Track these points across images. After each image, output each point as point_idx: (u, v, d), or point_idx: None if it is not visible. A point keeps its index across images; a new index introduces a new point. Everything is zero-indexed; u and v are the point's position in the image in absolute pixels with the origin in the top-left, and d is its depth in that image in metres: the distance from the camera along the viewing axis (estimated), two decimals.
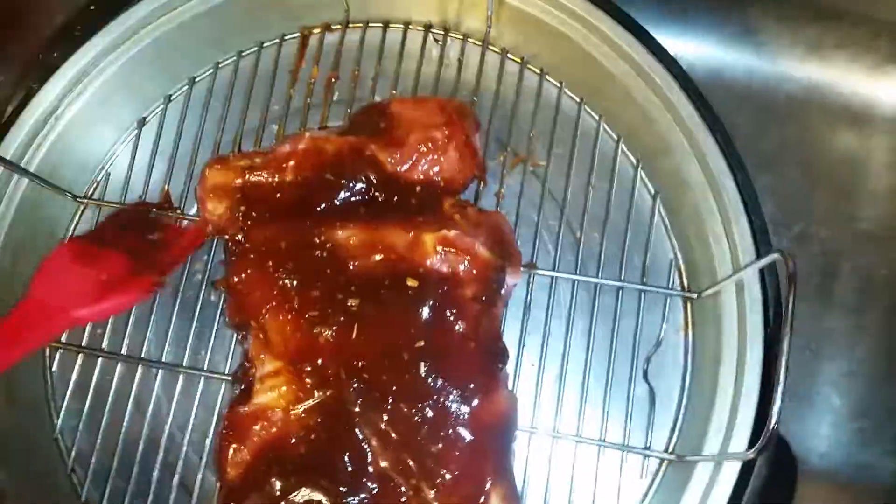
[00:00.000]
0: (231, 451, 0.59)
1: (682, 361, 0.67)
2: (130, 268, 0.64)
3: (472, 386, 0.59)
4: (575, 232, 0.70)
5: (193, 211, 0.72)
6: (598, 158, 0.71)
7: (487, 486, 0.57)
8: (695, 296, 0.67)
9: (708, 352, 0.65)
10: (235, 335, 0.67)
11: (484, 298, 0.62)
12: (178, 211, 0.71)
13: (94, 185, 0.74)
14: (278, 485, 0.58)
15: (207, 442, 0.66)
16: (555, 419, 0.65)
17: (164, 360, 0.68)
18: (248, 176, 0.66)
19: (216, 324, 0.69)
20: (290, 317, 0.62)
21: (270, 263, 0.63)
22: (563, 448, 0.64)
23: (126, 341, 0.69)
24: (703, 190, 0.65)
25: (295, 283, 0.62)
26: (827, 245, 0.79)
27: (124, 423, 0.66)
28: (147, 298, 0.68)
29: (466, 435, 0.58)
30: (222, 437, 0.61)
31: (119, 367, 0.68)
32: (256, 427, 0.60)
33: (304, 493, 0.57)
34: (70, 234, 0.73)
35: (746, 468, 0.58)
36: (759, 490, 0.58)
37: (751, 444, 0.58)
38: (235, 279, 0.64)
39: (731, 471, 0.58)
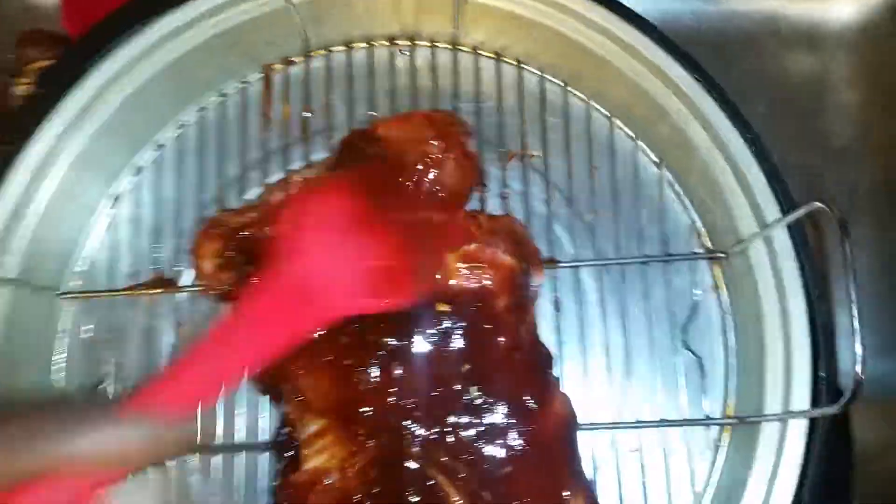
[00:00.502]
0: None
1: (721, 324, 0.66)
2: (406, 257, 0.48)
3: (528, 398, 0.58)
4: (587, 218, 0.68)
5: (190, 280, 0.68)
6: (595, 139, 0.69)
7: (567, 495, 0.56)
8: (722, 256, 0.66)
9: (747, 310, 0.64)
10: (269, 399, 0.64)
11: (517, 306, 0.60)
12: (175, 286, 0.67)
13: (76, 277, 0.70)
14: None
15: None
16: (609, 410, 0.63)
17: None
18: (245, 234, 0.63)
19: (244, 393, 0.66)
20: (323, 371, 0.59)
21: None
22: (624, 437, 0.63)
23: None
24: (709, 148, 0.64)
25: (322, 334, 0.60)
26: (806, 169, 0.80)
27: None
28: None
29: (535, 449, 0.56)
30: None
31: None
32: (314, 495, 0.57)
33: None
34: (60, 329, 0.69)
35: (813, 423, 0.57)
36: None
37: (813, 397, 0.57)
38: None
39: (798, 428, 0.57)
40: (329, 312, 0.46)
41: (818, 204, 0.51)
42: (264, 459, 0.63)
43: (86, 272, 0.69)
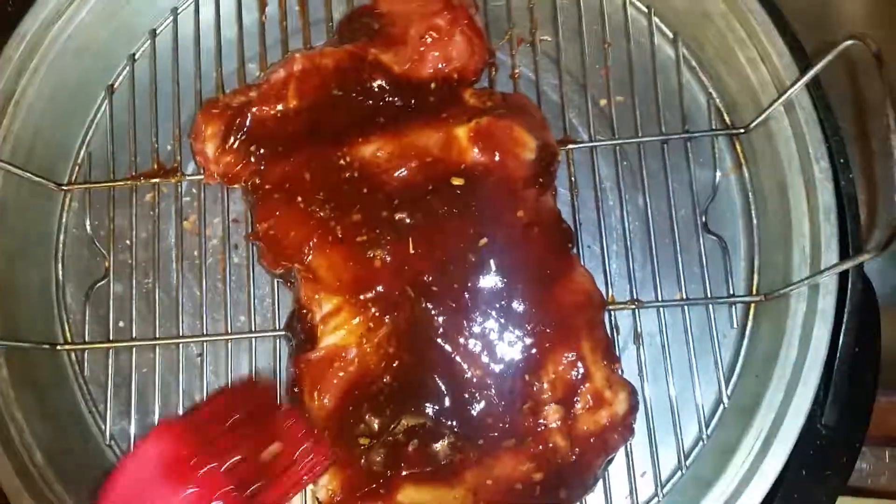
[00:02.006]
0: (313, 400, 0.55)
1: (743, 202, 0.64)
2: (226, 494, 0.49)
3: (548, 270, 0.56)
4: (601, 100, 0.65)
5: (191, 169, 0.66)
6: (608, 18, 0.66)
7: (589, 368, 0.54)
8: (742, 131, 0.63)
9: (769, 185, 0.62)
10: (275, 287, 0.62)
11: (535, 181, 0.58)
12: (179, 174, 0.65)
13: (76, 168, 0.67)
14: (376, 422, 0.53)
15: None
16: (632, 291, 0.61)
17: (206, 333, 0.63)
18: (247, 113, 0.60)
19: (249, 285, 0.64)
20: (337, 249, 0.57)
21: (299, 199, 0.58)
22: (648, 317, 0.61)
23: (158, 326, 0.63)
24: (727, 18, 0.61)
25: (332, 212, 0.57)
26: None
27: (179, 409, 0.61)
28: None
29: (556, 321, 0.55)
30: (297, 388, 0.56)
31: (158, 353, 0.63)
32: (332, 370, 0.55)
33: (405, 422, 0.53)
34: (61, 225, 0.66)
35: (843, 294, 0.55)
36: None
37: (841, 256, 0.56)
38: (265, 225, 0.58)
39: (828, 301, 0.55)
40: None
41: (851, 41, 0.48)
42: (279, 346, 0.62)
43: (87, 165, 0.67)
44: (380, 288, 0.55)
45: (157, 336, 0.63)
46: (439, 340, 0.54)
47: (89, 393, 0.64)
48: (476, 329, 0.54)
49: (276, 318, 0.63)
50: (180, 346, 0.62)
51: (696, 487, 0.56)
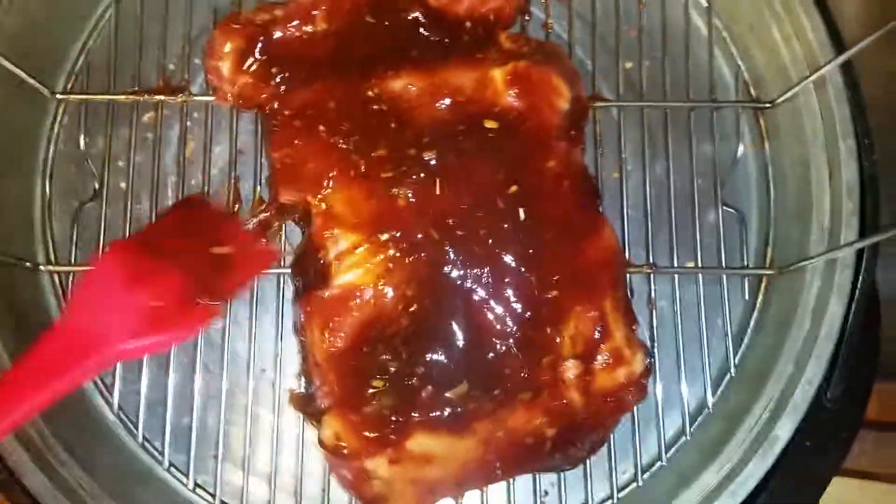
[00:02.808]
0: (324, 339, 0.52)
1: (761, 175, 0.64)
2: (186, 292, 0.52)
3: (576, 225, 0.54)
4: (627, 63, 0.64)
5: (198, 86, 0.61)
6: None
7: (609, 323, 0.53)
8: (768, 106, 0.63)
9: (791, 160, 0.62)
10: (282, 225, 0.59)
11: (568, 133, 0.56)
12: (186, 93, 0.61)
13: (74, 77, 0.62)
14: (391, 365, 0.51)
15: (271, 347, 0.58)
16: (648, 255, 0.61)
17: None
18: (271, 32, 0.56)
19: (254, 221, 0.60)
20: (358, 183, 0.54)
21: (322, 128, 0.55)
22: (662, 282, 0.60)
23: None
24: None
25: (356, 144, 0.54)
26: None
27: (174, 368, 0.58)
28: (200, 332, 0.57)
29: (581, 275, 0.53)
30: (307, 326, 0.53)
31: None
32: (346, 309, 0.53)
33: (421, 368, 0.51)
34: (50, 138, 0.61)
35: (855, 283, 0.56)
36: None
37: (860, 232, 0.56)
38: (282, 153, 0.55)
39: (845, 276, 0.55)
40: (113, 356, 0.51)
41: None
42: (282, 284, 0.59)
43: (84, 75, 0.62)
44: (402, 228, 0.53)
45: None
46: (460, 286, 0.52)
47: None
48: (499, 277, 0.52)
49: (283, 256, 0.60)
50: None
51: (700, 454, 0.57)
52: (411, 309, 0.52)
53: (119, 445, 0.58)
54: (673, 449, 0.58)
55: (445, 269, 0.53)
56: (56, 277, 0.60)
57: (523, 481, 0.57)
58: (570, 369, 0.52)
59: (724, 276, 0.61)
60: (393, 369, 0.51)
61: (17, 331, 0.56)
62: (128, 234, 0.59)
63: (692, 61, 0.64)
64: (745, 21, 0.64)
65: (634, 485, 0.57)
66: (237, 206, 0.61)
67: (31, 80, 0.58)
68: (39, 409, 0.45)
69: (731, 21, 0.65)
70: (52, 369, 0.46)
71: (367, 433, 0.51)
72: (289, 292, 0.59)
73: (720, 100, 0.64)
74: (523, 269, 0.53)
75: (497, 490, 0.57)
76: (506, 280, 0.53)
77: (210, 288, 0.54)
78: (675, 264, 0.60)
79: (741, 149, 0.64)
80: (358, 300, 0.53)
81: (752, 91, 0.65)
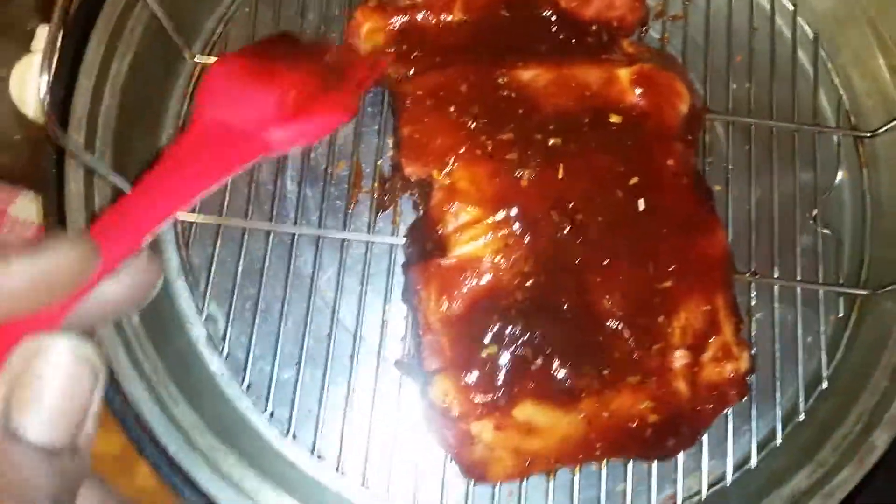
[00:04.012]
0: (440, 304, 0.54)
1: (857, 201, 0.66)
2: (321, 83, 0.52)
3: (693, 219, 0.56)
4: (737, 83, 0.67)
5: None
6: (755, 7, 0.68)
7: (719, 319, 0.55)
8: (868, 135, 0.66)
9: (888, 188, 0.64)
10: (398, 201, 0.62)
11: (687, 135, 0.59)
12: None
13: (212, 44, 0.66)
14: (505, 333, 0.53)
15: (377, 316, 0.60)
16: (748, 264, 0.62)
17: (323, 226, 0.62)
18: (409, 17, 0.60)
19: (351, 196, 0.63)
20: (483, 163, 0.56)
21: (452, 108, 0.58)
22: (762, 289, 0.62)
23: (274, 215, 0.62)
24: (874, 24, 0.64)
25: (484, 126, 0.57)
26: None
27: (282, 296, 0.60)
28: (346, 121, 0.57)
29: (696, 271, 0.55)
30: (423, 289, 0.55)
31: (271, 241, 0.61)
32: (463, 278, 0.55)
33: (534, 339, 0.53)
34: (185, 97, 0.65)
35: None
36: None
37: None
38: (411, 129, 0.58)
39: None
40: (260, 146, 0.47)
41: None
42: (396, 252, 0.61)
43: (223, 42, 0.67)
44: (522, 207, 0.55)
45: (274, 221, 0.62)
46: (576, 267, 0.55)
47: (191, 268, 0.62)
48: (616, 263, 0.54)
49: (396, 227, 0.62)
50: (295, 237, 0.61)
51: (792, 459, 0.57)
52: (527, 284, 0.54)
53: (223, 392, 0.60)
54: (763, 452, 0.59)
55: (563, 249, 0.55)
56: (179, 226, 0.63)
57: (611, 468, 0.58)
58: (679, 359, 0.54)
59: (821, 293, 0.62)
60: (506, 338, 0.53)
61: None
62: (251, 197, 0.62)
63: (796, 87, 0.67)
64: (850, 50, 0.67)
65: (722, 484, 0.58)
66: (358, 186, 0.64)
67: (177, 38, 0.62)
68: (185, 203, 0.40)
69: (835, 51, 0.69)
70: (197, 159, 0.43)
71: (476, 397, 0.52)
72: (400, 261, 0.61)
73: (822, 126, 0.67)
74: (640, 257, 0.55)
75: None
76: (621, 266, 0.55)
77: (338, 83, 0.54)
78: (776, 276, 0.62)
79: (840, 175, 0.67)
80: (475, 271, 0.55)
81: (853, 120, 0.68)
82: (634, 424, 0.54)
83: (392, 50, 0.60)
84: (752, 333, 0.61)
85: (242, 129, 0.47)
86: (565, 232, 0.55)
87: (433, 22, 0.60)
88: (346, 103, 0.54)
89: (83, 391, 0.29)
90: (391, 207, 0.63)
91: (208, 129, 0.46)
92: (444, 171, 0.57)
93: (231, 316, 0.60)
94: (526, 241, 0.55)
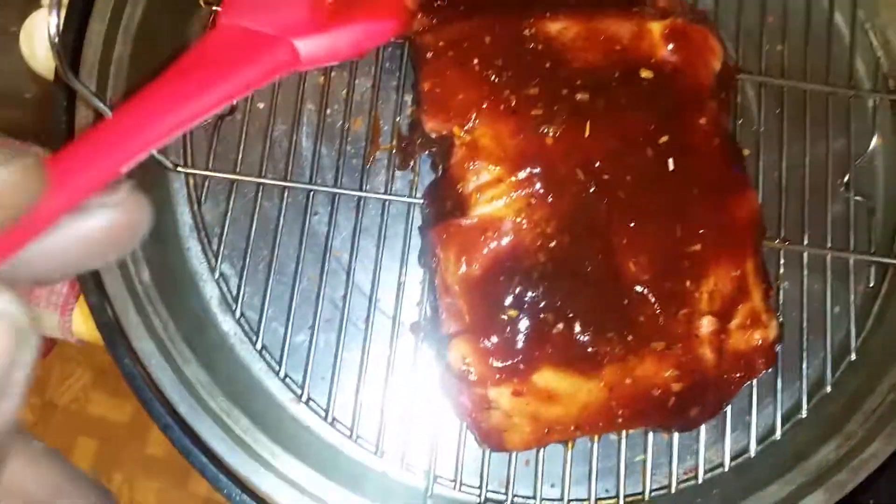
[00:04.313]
0: (460, 265, 0.52)
1: (893, 167, 0.64)
2: None
3: (724, 182, 0.54)
4: (770, 44, 0.64)
5: None
6: None
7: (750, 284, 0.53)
8: None
9: None
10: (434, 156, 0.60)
11: (721, 95, 0.57)
12: None
13: None
14: (526, 296, 0.51)
15: (393, 278, 0.58)
16: (779, 230, 0.60)
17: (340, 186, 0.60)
18: None
19: (368, 154, 0.61)
20: (507, 118, 0.54)
21: (476, 61, 0.55)
22: (790, 257, 0.60)
23: (289, 172, 0.60)
24: None
25: (508, 80, 0.55)
26: None
27: (296, 256, 0.58)
28: (395, 34, 0.53)
29: (725, 233, 0.53)
30: (442, 251, 0.53)
31: (286, 197, 0.59)
32: (484, 238, 0.53)
33: (556, 303, 0.51)
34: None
35: None
36: None
37: None
38: (432, 83, 0.56)
39: None
40: (290, 57, 0.43)
41: None
42: (412, 212, 0.59)
43: None
44: (547, 166, 0.53)
45: (289, 179, 0.60)
46: (602, 229, 0.52)
47: (203, 226, 0.60)
48: (643, 224, 0.52)
49: (414, 187, 0.60)
50: (310, 193, 0.59)
51: (818, 432, 0.56)
52: (550, 245, 0.52)
53: (236, 353, 0.58)
54: (788, 424, 0.58)
55: (588, 210, 0.53)
56: (192, 180, 0.61)
57: (630, 439, 0.57)
58: (706, 325, 0.52)
59: (852, 261, 0.60)
60: (527, 301, 0.51)
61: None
62: (266, 153, 0.60)
63: (831, 49, 0.64)
64: (890, 11, 0.64)
65: (747, 455, 0.57)
66: (376, 144, 0.62)
67: None
68: (207, 110, 0.37)
69: (874, 11, 0.66)
70: (220, 64, 0.39)
71: (495, 361, 0.51)
72: (417, 223, 0.59)
73: (858, 89, 0.64)
74: (668, 219, 0.53)
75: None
76: (649, 228, 0.52)
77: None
78: (805, 243, 0.60)
79: (874, 140, 0.64)
80: (496, 232, 0.53)
81: (891, 83, 0.65)
82: (657, 392, 0.52)
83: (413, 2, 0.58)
84: (780, 302, 0.59)
85: (265, 35, 0.41)
86: (591, 192, 0.53)
87: None
88: (396, 9, 0.48)
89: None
90: (410, 167, 0.61)
91: (222, 35, 0.41)
92: (466, 127, 0.54)
93: (244, 275, 0.58)
94: (549, 201, 0.53)
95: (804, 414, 0.57)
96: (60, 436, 1.37)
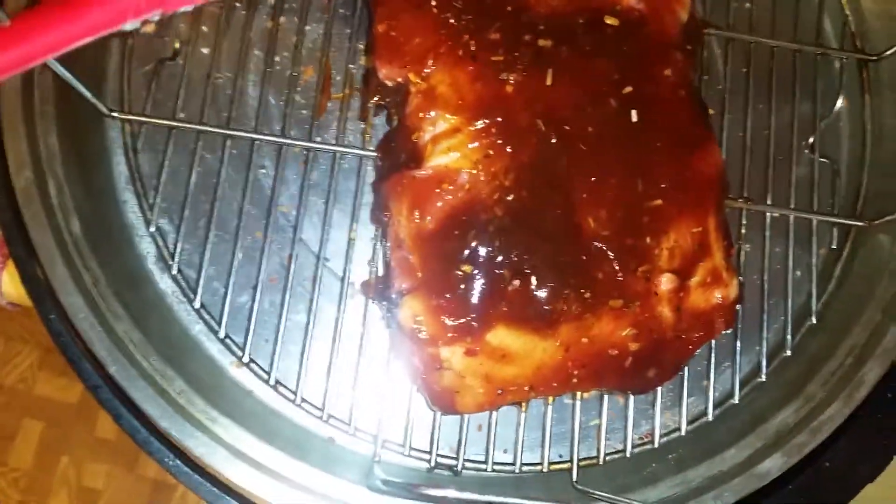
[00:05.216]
0: (412, 218, 0.49)
1: (857, 129, 0.63)
2: None
3: (688, 135, 0.52)
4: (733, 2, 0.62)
5: None
6: None
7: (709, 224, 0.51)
8: (874, 58, 0.62)
9: (891, 114, 0.61)
10: (364, 107, 0.57)
11: (686, 46, 0.54)
12: None
13: None
14: (481, 252, 0.48)
15: (342, 236, 0.55)
16: (742, 190, 0.59)
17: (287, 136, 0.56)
18: None
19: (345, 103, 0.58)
20: (466, 64, 0.51)
21: (433, 3, 0.52)
22: (753, 219, 0.59)
23: (231, 120, 0.56)
24: None
25: (468, 24, 0.52)
26: None
27: (239, 211, 0.55)
28: None
29: (690, 187, 0.51)
30: (394, 204, 0.50)
31: (228, 147, 0.55)
32: (439, 191, 0.50)
33: (511, 258, 0.49)
34: None
35: None
36: None
37: None
38: (386, 26, 0.52)
39: None
40: None
41: None
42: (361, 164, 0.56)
43: None
44: (507, 115, 0.50)
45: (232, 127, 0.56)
46: (562, 182, 0.50)
47: (140, 177, 0.56)
48: (604, 178, 0.50)
49: (367, 139, 0.57)
50: (254, 144, 0.56)
51: (777, 395, 0.55)
52: (508, 199, 0.49)
53: (173, 312, 0.55)
54: (746, 388, 0.56)
55: (548, 163, 0.50)
56: (128, 127, 0.56)
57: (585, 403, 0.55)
58: (666, 282, 0.50)
59: (815, 223, 0.59)
60: (482, 257, 0.49)
61: (83, 177, 0.53)
62: (208, 101, 0.56)
63: (800, 7, 0.62)
64: None
65: (704, 419, 0.55)
66: (327, 93, 0.59)
67: None
68: (73, 39, 0.41)
69: None
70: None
71: (447, 319, 0.48)
72: (369, 177, 0.56)
73: (826, 47, 0.62)
74: (630, 173, 0.50)
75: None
76: (610, 181, 0.50)
77: None
78: (769, 203, 0.59)
79: (840, 101, 0.63)
80: (452, 184, 0.50)
81: (858, 43, 0.64)
82: (614, 352, 0.50)
83: None
84: (741, 264, 0.57)
85: None
86: (551, 144, 0.50)
87: None
88: None
89: None
90: (362, 119, 0.58)
91: None
92: (423, 74, 0.52)
93: (182, 230, 0.55)
94: (508, 153, 0.50)
95: (763, 378, 0.56)
96: (4, 418, 1.31)
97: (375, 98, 0.56)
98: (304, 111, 0.58)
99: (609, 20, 0.52)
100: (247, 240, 0.56)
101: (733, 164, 0.58)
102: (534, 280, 0.49)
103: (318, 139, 0.57)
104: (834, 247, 0.60)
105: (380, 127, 0.57)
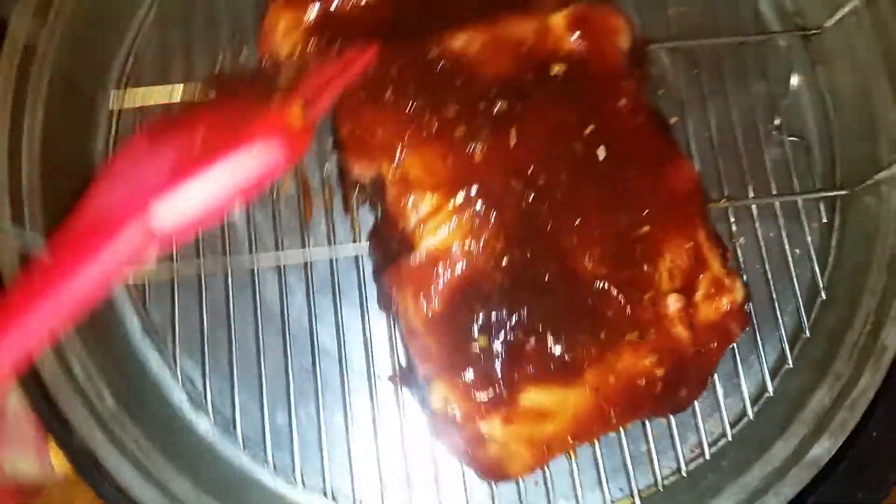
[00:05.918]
0: (420, 306, 0.51)
1: (817, 101, 0.64)
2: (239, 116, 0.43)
3: (657, 157, 0.54)
4: (677, 4, 0.64)
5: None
6: None
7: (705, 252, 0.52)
8: (817, 31, 0.63)
9: (845, 80, 0.62)
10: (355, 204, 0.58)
11: (634, 70, 0.56)
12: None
13: (125, 74, 0.62)
14: (491, 321, 0.50)
15: (358, 328, 0.57)
16: (721, 190, 0.60)
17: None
18: (323, 4, 0.56)
19: (301, 213, 0.60)
20: (432, 145, 0.53)
21: (387, 95, 0.54)
22: (740, 213, 0.60)
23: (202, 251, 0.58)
24: None
25: (425, 106, 0.53)
26: None
27: (252, 333, 0.56)
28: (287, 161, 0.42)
29: (671, 207, 0.53)
30: (399, 296, 0.52)
31: (222, 274, 0.57)
32: (437, 272, 0.51)
33: (522, 319, 0.50)
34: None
35: None
36: None
37: None
38: (349, 127, 0.54)
39: None
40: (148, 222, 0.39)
41: None
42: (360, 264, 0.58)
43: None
44: (482, 182, 0.52)
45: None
46: (550, 233, 0.52)
47: (154, 329, 0.58)
48: (588, 219, 0.52)
49: (357, 231, 0.59)
50: (255, 270, 0.57)
51: (807, 378, 0.56)
52: (503, 262, 0.51)
53: (217, 452, 0.56)
54: (777, 377, 0.58)
55: (532, 217, 0.52)
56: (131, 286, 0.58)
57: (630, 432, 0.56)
58: (673, 303, 0.51)
59: (800, 202, 0.60)
60: (494, 325, 0.50)
61: None
62: (200, 236, 0.58)
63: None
64: None
65: (746, 418, 0.56)
66: (308, 199, 0.60)
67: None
68: (70, 311, 0.37)
69: None
70: (79, 253, 0.37)
71: (477, 394, 0.50)
72: (369, 271, 0.58)
73: (767, 31, 0.64)
74: (611, 208, 0.52)
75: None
76: (595, 221, 0.52)
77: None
78: (751, 195, 0.60)
79: (795, 79, 0.64)
80: (448, 261, 0.51)
81: (798, 20, 0.66)
82: (643, 382, 0.51)
83: (312, 44, 0.56)
84: (741, 260, 0.59)
85: (131, 202, 0.39)
86: (530, 199, 0.52)
87: (349, 5, 0.56)
88: (271, 128, 0.42)
89: None
90: (348, 215, 0.59)
91: (94, 210, 0.40)
92: (394, 163, 0.53)
93: (206, 368, 0.56)
94: (492, 218, 0.52)
95: (790, 363, 0.57)
96: None
97: (356, 193, 0.58)
98: (293, 222, 0.60)
99: (556, 68, 0.54)
100: (268, 359, 0.57)
101: (707, 166, 0.60)
102: (548, 335, 0.50)
103: (312, 241, 0.59)
104: (825, 220, 0.61)
105: (367, 215, 0.59)
